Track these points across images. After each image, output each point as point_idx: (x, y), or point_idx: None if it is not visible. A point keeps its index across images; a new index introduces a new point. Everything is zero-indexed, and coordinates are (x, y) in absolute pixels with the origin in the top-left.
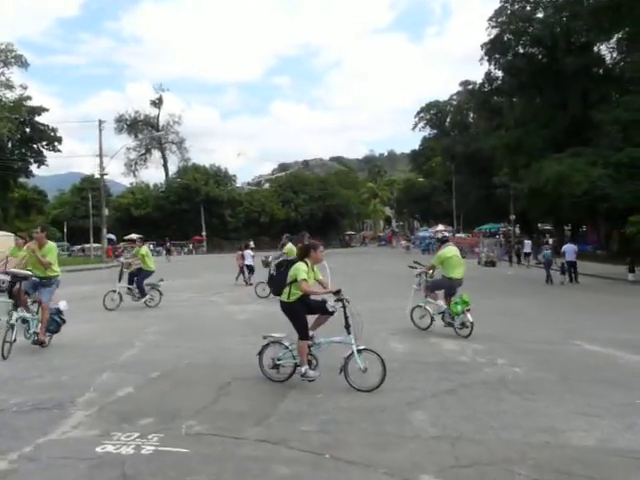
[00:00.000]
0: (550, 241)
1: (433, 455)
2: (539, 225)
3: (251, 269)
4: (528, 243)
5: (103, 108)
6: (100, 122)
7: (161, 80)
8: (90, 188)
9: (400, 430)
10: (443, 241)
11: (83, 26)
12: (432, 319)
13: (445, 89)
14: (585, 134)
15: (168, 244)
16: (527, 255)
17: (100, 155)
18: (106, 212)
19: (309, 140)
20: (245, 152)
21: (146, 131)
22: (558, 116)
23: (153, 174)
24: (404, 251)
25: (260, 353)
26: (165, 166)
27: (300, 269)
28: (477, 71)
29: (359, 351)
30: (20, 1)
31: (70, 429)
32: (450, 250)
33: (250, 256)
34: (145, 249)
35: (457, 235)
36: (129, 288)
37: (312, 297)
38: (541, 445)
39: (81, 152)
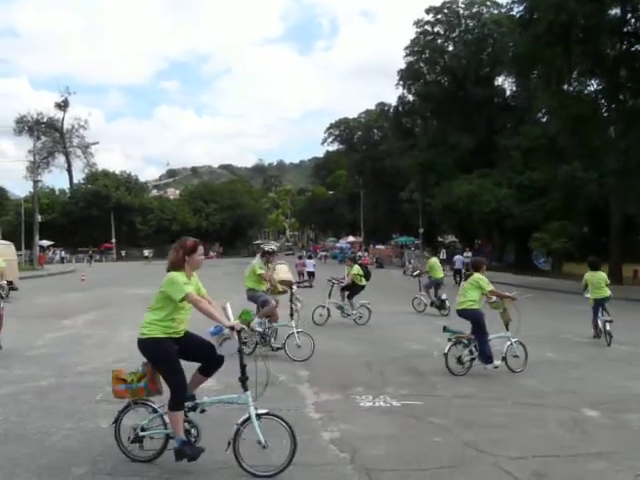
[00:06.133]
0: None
1: None
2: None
3: (312, 275)
4: (459, 259)
5: None
6: (36, 123)
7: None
8: None
9: None
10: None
11: None
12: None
13: (335, 102)
14: (490, 157)
15: (91, 251)
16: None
17: (34, 161)
18: (39, 218)
19: (197, 146)
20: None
21: (49, 134)
22: (466, 139)
23: (52, 179)
24: (323, 261)
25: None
26: (69, 171)
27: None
28: (366, 86)
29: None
30: None
31: (315, 395)
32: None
33: (312, 265)
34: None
35: (377, 247)
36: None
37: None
38: None
39: None
